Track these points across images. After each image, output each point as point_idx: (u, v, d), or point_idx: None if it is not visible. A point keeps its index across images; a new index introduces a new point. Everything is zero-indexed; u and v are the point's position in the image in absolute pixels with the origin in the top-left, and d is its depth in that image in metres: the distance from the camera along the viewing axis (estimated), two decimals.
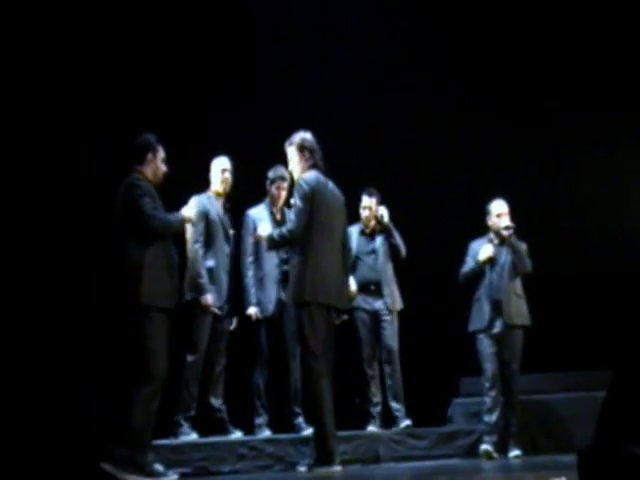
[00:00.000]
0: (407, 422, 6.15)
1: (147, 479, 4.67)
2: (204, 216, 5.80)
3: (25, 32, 5.97)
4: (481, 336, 6.08)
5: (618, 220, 7.53)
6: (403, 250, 6.42)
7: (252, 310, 5.99)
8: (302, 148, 5.21)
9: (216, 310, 5.75)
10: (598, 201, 7.57)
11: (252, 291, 6.01)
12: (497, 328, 6.04)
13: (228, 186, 5.99)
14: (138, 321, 4.69)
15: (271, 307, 6.00)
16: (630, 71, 7.52)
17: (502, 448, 5.95)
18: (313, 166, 5.18)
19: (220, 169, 5.97)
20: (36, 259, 5.67)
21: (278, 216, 6.13)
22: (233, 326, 6.02)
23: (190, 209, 5.13)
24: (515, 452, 5.93)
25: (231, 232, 6.00)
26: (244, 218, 6.13)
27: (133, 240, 4.77)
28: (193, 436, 5.62)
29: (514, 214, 6.21)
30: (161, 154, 5.02)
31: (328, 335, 5.07)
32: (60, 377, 5.32)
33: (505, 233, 6.08)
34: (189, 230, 5.73)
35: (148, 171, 4.97)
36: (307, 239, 5.01)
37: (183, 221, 5.07)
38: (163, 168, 5.03)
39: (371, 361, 6.34)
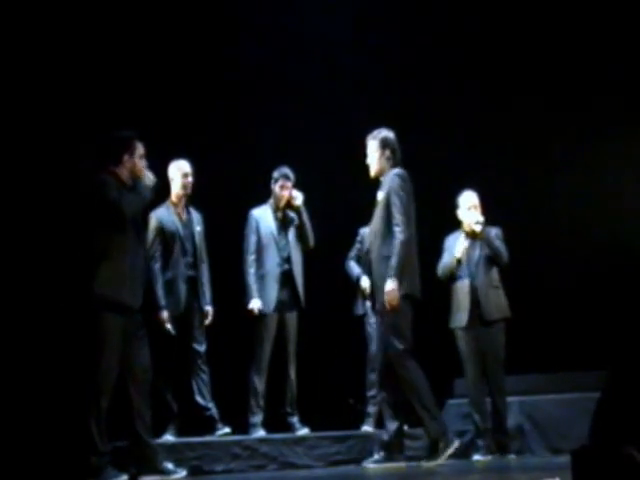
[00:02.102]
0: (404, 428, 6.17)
1: (158, 477, 4.68)
2: (159, 232, 5.76)
3: (27, 34, 5.98)
4: (460, 334, 5.98)
5: (610, 218, 7.54)
6: None
7: (255, 304, 6.00)
8: (385, 145, 5.37)
9: (169, 328, 5.69)
10: (592, 198, 7.59)
11: (254, 287, 6.02)
12: (476, 325, 5.93)
13: (189, 189, 5.90)
14: (90, 315, 4.55)
15: (271, 306, 6.02)
16: (626, 72, 7.53)
17: (496, 449, 5.95)
18: (394, 166, 5.34)
19: (182, 173, 5.86)
20: (36, 259, 5.67)
21: (280, 215, 6.18)
22: (209, 321, 5.93)
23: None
24: (509, 454, 5.92)
25: (198, 229, 5.93)
26: (247, 217, 6.17)
27: (96, 234, 4.63)
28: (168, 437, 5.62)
29: (506, 209, 6.16)
30: (139, 151, 4.76)
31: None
32: (59, 377, 5.33)
33: (476, 228, 5.94)
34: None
35: (123, 172, 4.72)
36: None
37: (147, 185, 4.74)
38: (142, 164, 4.77)
39: (374, 361, 6.33)
